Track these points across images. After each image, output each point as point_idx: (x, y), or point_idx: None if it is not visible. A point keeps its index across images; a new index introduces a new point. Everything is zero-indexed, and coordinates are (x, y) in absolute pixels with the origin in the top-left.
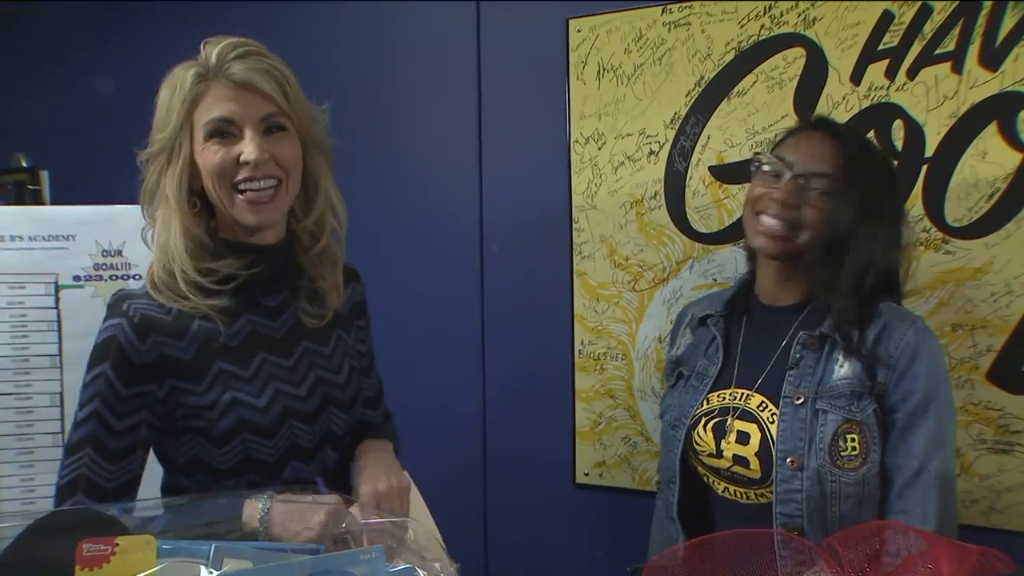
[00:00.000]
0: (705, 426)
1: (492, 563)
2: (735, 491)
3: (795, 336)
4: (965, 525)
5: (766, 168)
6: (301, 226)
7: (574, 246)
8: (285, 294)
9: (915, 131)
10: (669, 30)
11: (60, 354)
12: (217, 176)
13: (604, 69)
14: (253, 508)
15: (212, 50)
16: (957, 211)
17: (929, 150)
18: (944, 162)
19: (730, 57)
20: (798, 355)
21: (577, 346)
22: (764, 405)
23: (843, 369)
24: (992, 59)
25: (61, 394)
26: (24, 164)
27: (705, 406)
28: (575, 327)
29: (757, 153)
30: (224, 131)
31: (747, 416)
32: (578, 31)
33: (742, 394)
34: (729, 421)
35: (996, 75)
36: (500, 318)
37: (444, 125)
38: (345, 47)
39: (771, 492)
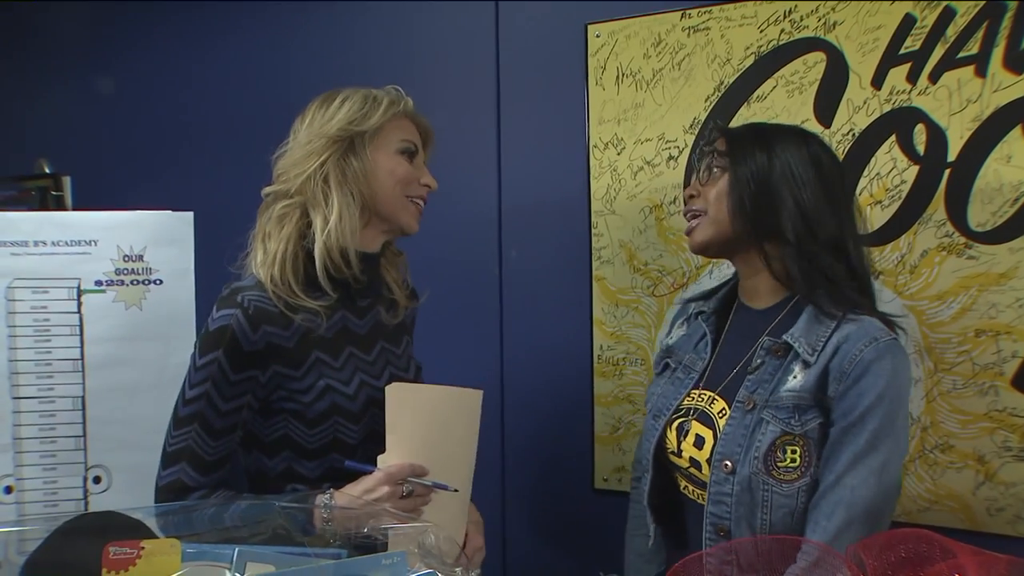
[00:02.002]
0: (671, 424)
1: (510, 568)
2: (692, 490)
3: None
4: (991, 534)
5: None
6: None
7: (593, 251)
8: (371, 297)
9: (937, 135)
10: (688, 35)
11: (82, 358)
12: (404, 183)
13: (623, 74)
14: (319, 513)
15: (405, 96)
16: (980, 216)
17: (952, 154)
18: (967, 166)
19: (750, 62)
20: (760, 360)
21: (596, 351)
22: (724, 412)
23: (794, 380)
24: (1017, 62)
25: (83, 398)
26: (47, 170)
27: (678, 403)
28: (594, 332)
29: None
30: (412, 152)
31: (706, 420)
32: (597, 36)
33: (708, 397)
34: (689, 422)
35: (1021, 78)
36: (519, 323)
37: (463, 130)
38: (364, 55)
39: None
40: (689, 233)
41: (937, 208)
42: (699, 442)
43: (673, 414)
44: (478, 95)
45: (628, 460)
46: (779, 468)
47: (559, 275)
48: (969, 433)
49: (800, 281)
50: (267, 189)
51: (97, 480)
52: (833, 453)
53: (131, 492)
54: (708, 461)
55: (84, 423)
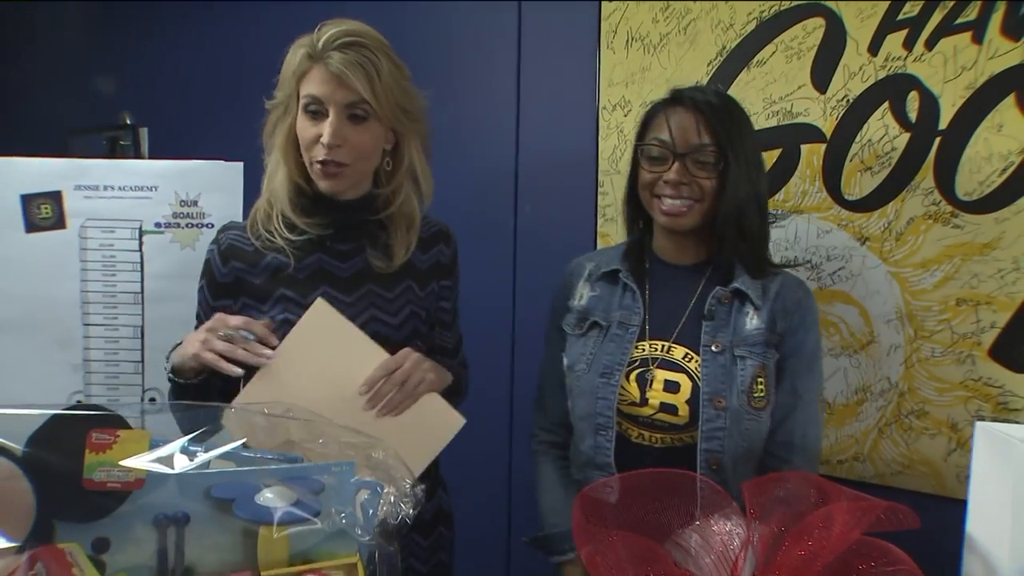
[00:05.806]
0: (628, 376)
1: (515, 545)
2: (651, 436)
3: (706, 291)
4: (959, 500)
5: (653, 155)
6: (381, 190)
7: (599, 209)
8: (357, 242)
9: (930, 102)
10: (695, 0)
11: (142, 292)
12: (306, 147)
13: (632, 38)
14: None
15: (322, 36)
16: (968, 185)
17: (943, 122)
18: (958, 135)
19: (751, 27)
20: (712, 308)
21: None
22: (689, 356)
23: (754, 321)
24: (1016, 28)
25: (142, 327)
26: (128, 121)
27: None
28: None
29: (639, 143)
30: (315, 110)
31: (672, 366)
32: (610, 0)
33: (663, 346)
34: (652, 371)
35: (1018, 44)
36: (531, 277)
37: (485, 91)
38: (386, 17)
39: (693, 435)
40: (678, 213)
41: (926, 176)
42: (671, 387)
43: (627, 367)
44: (500, 58)
45: None
46: (754, 399)
47: (569, 231)
48: (945, 401)
49: (727, 245)
50: None
51: (152, 401)
52: (792, 382)
53: None
54: (688, 402)
55: (143, 350)
